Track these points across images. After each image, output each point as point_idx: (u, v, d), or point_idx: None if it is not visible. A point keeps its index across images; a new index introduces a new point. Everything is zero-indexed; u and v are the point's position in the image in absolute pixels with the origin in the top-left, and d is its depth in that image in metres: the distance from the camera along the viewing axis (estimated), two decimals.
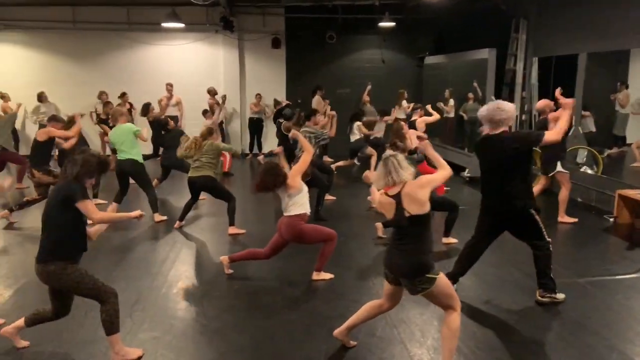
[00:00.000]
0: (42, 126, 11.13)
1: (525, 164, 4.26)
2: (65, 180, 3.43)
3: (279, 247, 4.90)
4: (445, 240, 5.97)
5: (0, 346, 3.76)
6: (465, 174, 9.55)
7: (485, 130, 4.30)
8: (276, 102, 11.73)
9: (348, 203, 8.03)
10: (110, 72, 12.31)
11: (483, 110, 4.24)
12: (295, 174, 4.75)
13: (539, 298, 4.40)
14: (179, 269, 5.34)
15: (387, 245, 3.59)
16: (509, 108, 4.20)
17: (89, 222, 3.51)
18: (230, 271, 5.11)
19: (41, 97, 11.34)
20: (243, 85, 12.87)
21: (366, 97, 11.91)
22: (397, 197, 3.25)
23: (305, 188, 4.81)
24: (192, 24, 11.76)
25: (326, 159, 10.87)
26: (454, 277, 4.42)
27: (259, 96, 12.44)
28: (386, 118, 10.38)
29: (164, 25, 11.17)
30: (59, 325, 3.99)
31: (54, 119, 7.31)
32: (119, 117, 7.15)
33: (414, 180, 3.28)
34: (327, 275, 4.99)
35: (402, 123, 6.56)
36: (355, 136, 10.19)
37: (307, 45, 12.89)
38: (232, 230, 6.45)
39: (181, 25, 11.10)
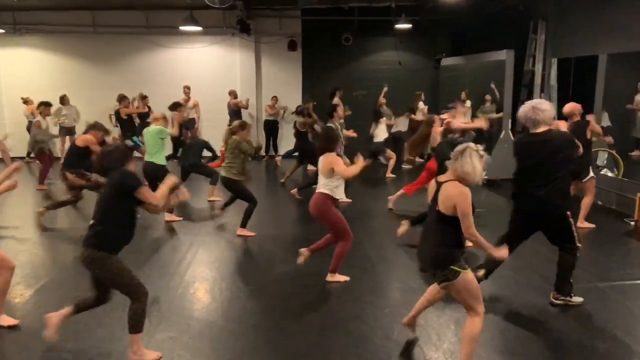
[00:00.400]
0: (62, 128, 11.38)
1: (568, 165, 4.24)
2: (118, 171, 3.47)
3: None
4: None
5: (20, 342, 3.84)
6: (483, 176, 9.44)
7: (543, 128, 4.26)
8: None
9: (365, 205, 8.01)
10: (129, 75, 12.48)
11: (520, 112, 4.31)
12: (339, 165, 4.70)
13: (553, 300, 4.39)
14: (195, 270, 5.38)
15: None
16: (546, 107, 4.22)
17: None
18: (305, 255, 5.05)
19: (63, 100, 11.53)
20: (259, 87, 12.94)
21: (382, 99, 11.89)
22: (439, 187, 3.24)
23: (339, 180, 4.79)
24: (210, 27, 11.88)
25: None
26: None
27: (274, 98, 12.51)
28: (408, 114, 10.55)
29: (182, 28, 11.29)
30: (78, 323, 4.06)
31: (94, 127, 7.17)
32: (154, 120, 7.33)
33: (461, 186, 3.17)
34: (342, 278, 4.98)
35: (436, 116, 6.57)
36: (378, 138, 10.20)
37: (323, 47, 12.91)
38: (241, 231, 6.47)
39: (199, 28, 11.22)
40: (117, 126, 11.57)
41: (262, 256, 5.90)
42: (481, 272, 4.34)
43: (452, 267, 3.13)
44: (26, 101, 11.48)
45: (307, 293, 4.79)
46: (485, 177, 9.62)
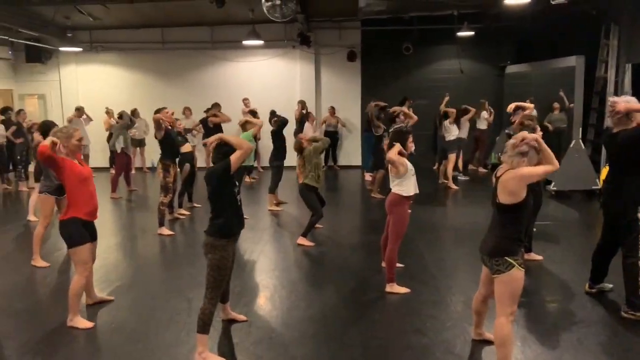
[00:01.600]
0: (133, 140, 11.96)
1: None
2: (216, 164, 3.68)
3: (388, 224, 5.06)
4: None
5: (95, 342, 4.05)
6: (551, 187, 9.06)
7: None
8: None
9: (425, 216, 7.85)
10: (195, 88, 13.02)
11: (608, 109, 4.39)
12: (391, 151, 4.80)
13: (622, 313, 4.28)
14: (256, 278, 5.49)
15: None
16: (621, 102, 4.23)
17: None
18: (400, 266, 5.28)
19: (134, 113, 12.15)
20: (319, 98, 13.10)
21: (445, 109, 11.66)
22: (497, 181, 3.32)
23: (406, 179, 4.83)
24: (271, 40, 12.17)
25: None
26: (595, 279, 4.63)
27: (332, 109, 12.60)
28: (466, 117, 10.42)
29: (245, 43, 11.64)
30: (147, 327, 4.26)
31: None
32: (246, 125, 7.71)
33: (514, 170, 3.23)
34: (402, 290, 4.91)
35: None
36: (450, 135, 10.07)
37: (382, 57, 12.90)
38: (302, 241, 6.55)
39: (260, 42, 11.52)
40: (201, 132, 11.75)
41: (322, 266, 5.92)
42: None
43: (507, 257, 3.20)
44: (107, 112, 12.13)
45: (368, 304, 4.75)
46: (554, 188, 9.26)
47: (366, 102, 12.88)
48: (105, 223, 7.89)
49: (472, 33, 11.48)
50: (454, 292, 4.95)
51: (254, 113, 9.11)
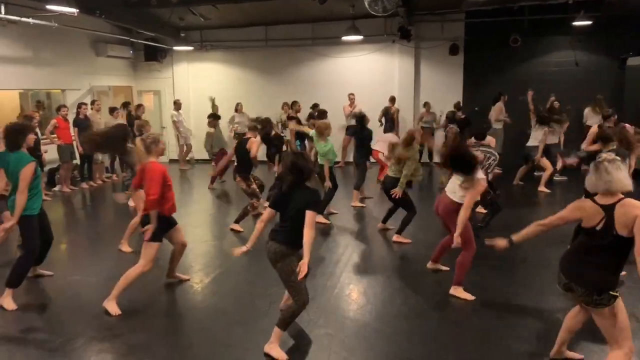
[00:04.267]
0: (235, 134, 12.55)
1: None
2: (308, 190, 3.69)
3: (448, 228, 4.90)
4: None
5: (198, 323, 4.31)
6: None
7: None
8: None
9: (510, 219, 7.39)
10: (295, 84, 13.35)
11: None
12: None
13: None
14: (350, 272, 5.51)
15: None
16: None
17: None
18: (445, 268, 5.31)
19: (237, 109, 12.76)
20: (417, 93, 12.83)
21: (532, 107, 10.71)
22: (609, 210, 2.94)
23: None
24: (370, 35, 12.12)
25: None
26: None
27: (427, 104, 12.28)
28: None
29: (344, 38, 11.70)
30: (247, 313, 4.45)
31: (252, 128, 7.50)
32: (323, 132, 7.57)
33: (632, 200, 2.91)
34: (468, 296, 4.69)
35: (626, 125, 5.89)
36: (533, 141, 9.42)
37: (487, 50, 12.31)
38: (398, 238, 6.48)
39: (360, 37, 11.52)
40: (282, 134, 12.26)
41: (418, 263, 5.79)
42: None
43: (611, 292, 2.96)
44: (213, 105, 12.85)
45: (463, 304, 4.59)
46: None
47: (468, 97, 12.44)
48: (202, 213, 8.37)
49: (589, 22, 10.59)
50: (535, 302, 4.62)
51: (323, 113, 9.19)
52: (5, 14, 8.40)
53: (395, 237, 6.49)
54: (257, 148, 6.95)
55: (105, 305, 4.46)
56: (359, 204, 8.46)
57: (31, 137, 4.76)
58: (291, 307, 3.67)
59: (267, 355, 3.70)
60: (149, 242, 4.47)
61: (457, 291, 4.74)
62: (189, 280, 5.25)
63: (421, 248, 6.20)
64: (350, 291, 4.99)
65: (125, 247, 6.24)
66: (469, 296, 4.69)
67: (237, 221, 7.17)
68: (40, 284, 5.20)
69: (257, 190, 7.20)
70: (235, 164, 7.22)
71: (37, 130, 8.90)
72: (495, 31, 11.75)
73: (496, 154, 6.45)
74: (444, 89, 12.55)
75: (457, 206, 4.61)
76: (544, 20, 11.31)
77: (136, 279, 4.50)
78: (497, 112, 11.23)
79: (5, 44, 9.77)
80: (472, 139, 7.38)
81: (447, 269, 5.29)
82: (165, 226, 4.65)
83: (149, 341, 4.00)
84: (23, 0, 8.33)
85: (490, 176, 6.45)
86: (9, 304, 4.55)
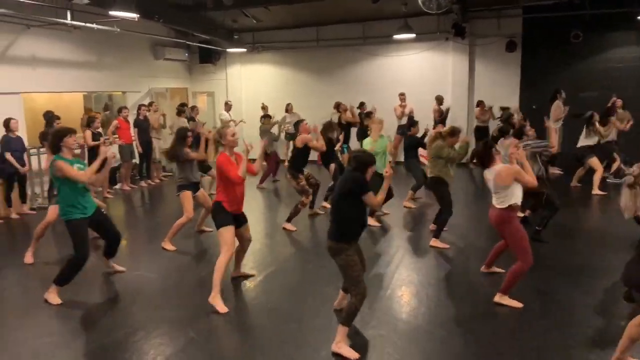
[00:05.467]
0: (286, 134, 12.69)
1: None
2: (351, 172, 3.73)
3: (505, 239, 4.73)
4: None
5: (248, 321, 4.38)
6: None
7: None
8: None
9: (566, 222, 7.08)
10: (346, 84, 13.35)
11: None
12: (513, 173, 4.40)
13: None
14: (402, 274, 5.44)
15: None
16: None
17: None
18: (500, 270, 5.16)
19: (287, 108, 12.90)
20: (471, 91, 12.53)
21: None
22: None
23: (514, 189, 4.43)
24: (423, 33, 11.94)
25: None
26: None
27: (482, 103, 11.95)
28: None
29: (396, 37, 11.58)
30: (300, 310, 4.48)
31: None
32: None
33: None
34: (514, 303, 4.50)
35: None
36: (581, 142, 9.04)
37: (546, 46, 11.86)
38: (434, 242, 6.31)
39: (412, 35, 11.36)
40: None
41: (470, 266, 5.64)
42: None
43: None
44: (263, 107, 13.06)
45: (519, 310, 4.44)
46: None
47: (525, 95, 12.02)
48: (253, 211, 8.50)
49: None
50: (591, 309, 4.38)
51: (369, 114, 9.10)
52: (71, 20, 8.84)
53: (432, 242, 6.31)
54: (310, 141, 7.19)
55: (211, 302, 4.56)
56: (411, 205, 8.36)
57: (70, 140, 4.74)
58: (351, 302, 3.70)
59: (336, 354, 3.71)
60: (220, 228, 4.64)
61: (503, 299, 4.55)
62: (254, 275, 5.40)
63: (473, 250, 6.06)
64: (402, 293, 4.93)
65: (169, 245, 6.45)
66: (515, 303, 4.50)
67: (289, 220, 7.24)
68: (108, 279, 5.46)
69: (307, 187, 7.24)
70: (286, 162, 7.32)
71: (100, 129, 9.44)
72: (555, 27, 11.30)
73: (543, 142, 6.35)
74: (500, 87, 12.19)
75: (506, 214, 4.44)
76: (608, 15, 10.78)
77: (227, 266, 4.68)
78: (557, 111, 10.77)
79: (70, 49, 10.31)
80: (513, 140, 6.95)
81: (503, 270, 5.13)
82: (230, 218, 4.71)
83: (204, 336, 4.11)
84: (87, 7, 8.76)
85: (546, 172, 6.25)
86: (54, 299, 4.80)
